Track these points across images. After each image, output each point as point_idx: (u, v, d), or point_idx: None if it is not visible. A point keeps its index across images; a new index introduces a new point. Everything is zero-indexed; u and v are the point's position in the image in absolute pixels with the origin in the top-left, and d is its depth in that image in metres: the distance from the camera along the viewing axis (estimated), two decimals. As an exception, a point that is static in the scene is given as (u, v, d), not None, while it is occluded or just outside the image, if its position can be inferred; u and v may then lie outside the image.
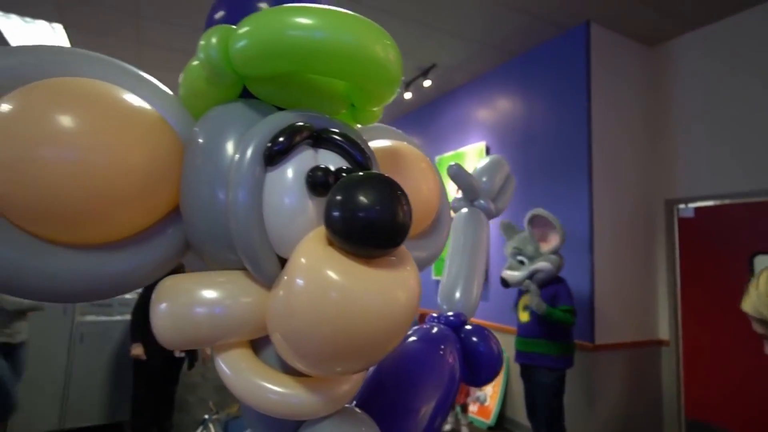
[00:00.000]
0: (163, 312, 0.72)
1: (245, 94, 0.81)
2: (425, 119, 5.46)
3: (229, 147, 0.74)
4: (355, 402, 1.11)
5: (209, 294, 0.73)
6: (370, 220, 0.63)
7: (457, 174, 1.66)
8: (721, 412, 3.27)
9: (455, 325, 1.44)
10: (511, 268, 3.12)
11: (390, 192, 0.66)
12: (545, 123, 3.83)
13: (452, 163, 1.69)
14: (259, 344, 0.81)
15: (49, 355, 3.29)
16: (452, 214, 1.76)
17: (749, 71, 3.20)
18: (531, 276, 2.98)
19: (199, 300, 0.72)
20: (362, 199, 0.64)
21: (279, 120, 0.75)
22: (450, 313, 1.49)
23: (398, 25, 3.70)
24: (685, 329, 3.55)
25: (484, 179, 1.74)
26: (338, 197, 0.65)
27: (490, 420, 3.85)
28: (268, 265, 0.73)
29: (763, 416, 3.04)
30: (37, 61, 0.68)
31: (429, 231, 1.08)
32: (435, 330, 1.35)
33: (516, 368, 3.32)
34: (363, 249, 0.66)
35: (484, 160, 1.84)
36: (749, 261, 3.20)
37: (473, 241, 1.64)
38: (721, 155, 3.34)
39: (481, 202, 1.71)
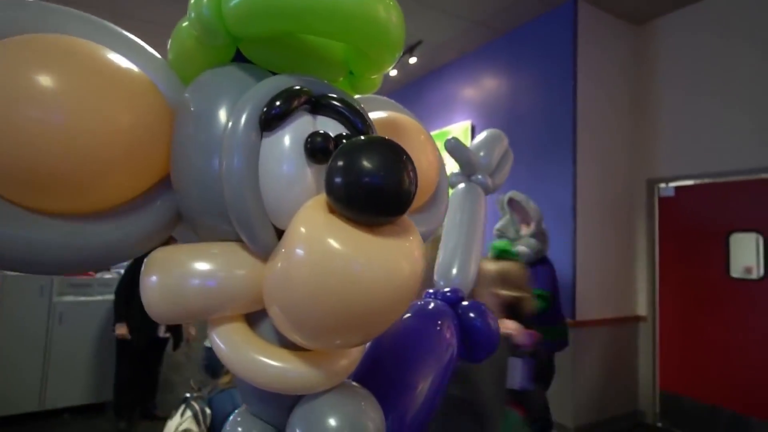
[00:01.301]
0: (153, 284, 0.69)
1: (238, 59, 0.77)
2: (411, 97, 5.40)
3: (222, 113, 0.71)
4: (352, 379, 1.06)
5: (202, 266, 0.70)
6: (375, 185, 0.61)
7: (455, 148, 1.63)
8: (692, 384, 3.41)
9: (452, 301, 1.41)
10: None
11: (396, 156, 0.64)
12: (531, 101, 3.83)
13: (450, 136, 1.66)
14: (255, 318, 0.78)
15: (27, 337, 3.22)
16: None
17: (732, 51, 3.24)
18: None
19: (192, 272, 0.70)
20: (366, 163, 0.61)
21: (276, 84, 0.71)
22: (447, 289, 1.47)
23: None
24: (662, 306, 3.66)
25: (482, 153, 1.72)
26: (341, 162, 0.62)
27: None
28: (264, 235, 0.70)
29: (731, 387, 3.18)
30: (17, 16, 0.64)
31: (427, 205, 1.06)
32: (432, 306, 1.34)
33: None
34: (367, 216, 0.63)
35: (482, 134, 1.81)
36: (725, 239, 3.30)
37: (470, 217, 1.63)
38: (701, 135, 3.39)
39: (479, 177, 1.68)
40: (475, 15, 3.82)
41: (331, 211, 0.65)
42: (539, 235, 3.00)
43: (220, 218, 0.71)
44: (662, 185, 3.71)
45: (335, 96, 0.75)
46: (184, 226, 0.79)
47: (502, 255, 2.69)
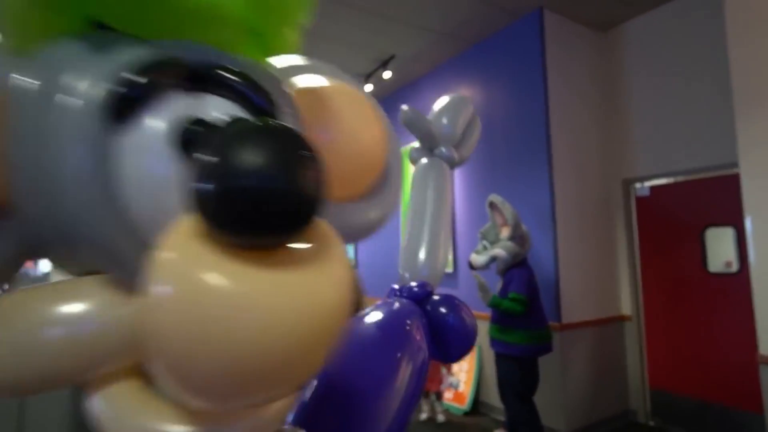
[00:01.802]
0: None
1: (97, 27, 0.58)
2: (388, 111, 5.35)
3: (65, 97, 0.50)
4: (298, 409, 0.90)
5: (63, 311, 0.51)
6: (256, 191, 0.42)
7: (412, 119, 1.39)
8: (681, 380, 3.42)
9: (420, 297, 1.24)
10: (477, 252, 3.19)
11: (287, 147, 0.45)
12: (505, 109, 3.88)
13: (405, 106, 1.38)
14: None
15: None
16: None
17: (695, 51, 3.33)
18: (491, 261, 3.04)
19: (48, 320, 0.50)
20: (243, 160, 0.42)
21: (132, 54, 0.51)
22: (413, 284, 1.28)
23: (355, 17, 3.66)
24: (645, 304, 3.69)
25: (445, 121, 1.47)
26: (208, 160, 0.44)
27: (465, 405, 3.90)
28: (131, 260, 0.51)
29: (718, 381, 3.20)
30: None
31: (378, 186, 0.87)
32: (397, 307, 1.14)
33: (489, 352, 3.37)
34: (250, 237, 0.45)
35: (444, 100, 1.52)
36: (701, 234, 3.35)
37: (435, 197, 1.40)
38: (672, 134, 3.46)
39: (442, 150, 1.45)
40: (444, 27, 3.88)
41: (206, 232, 0.47)
42: (517, 238, 3.01)
43: (73, 237, 0.52)
44: (638, 185, 3.77)
45: (224, 66, 0.55)
46: (48, 253, 0.60)
47: None
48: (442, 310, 1.23)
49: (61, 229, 0.52)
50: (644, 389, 3.64)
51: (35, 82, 0.52)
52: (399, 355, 1.03)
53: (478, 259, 3.11)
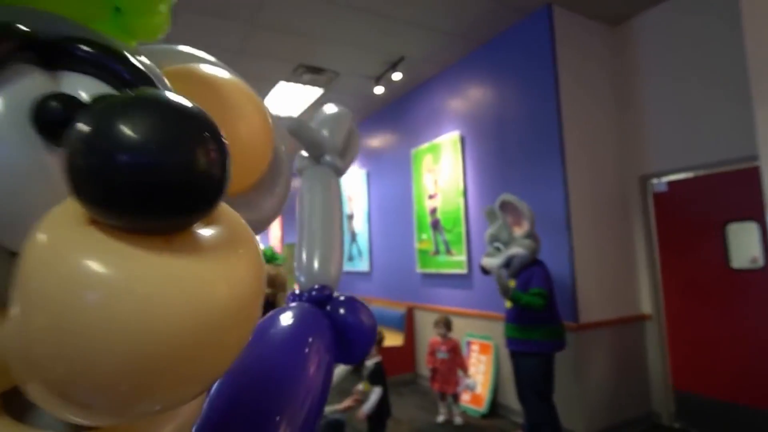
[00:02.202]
0: None
1: None
2: (398, 113, 5.44)
3: None
4: (202, 426, 0.85)
5: None
6: (144, 166, 0.36)
7: (298, 128, 1.42)
8: (707, 381, 3.32)
9: (319, 300, 1.27)
10: (489, 255, 3.16)
11: (182, 118, 0.39)
12: (516, 108, 3.85)
13: (292, 115, 1.49)
14: (14, 396, 0.51)
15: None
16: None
17: (710, 42, 3.25)
18: (508, 262, 3.01)
19: None
20: (128, 131, 0.36)
21: None
22: (313, 287, 1.30)
23: (363, 20, 3.67)
24: (666, 302, 3.60)
25: (327, 132, 1.52)
26: (83, 134, 0.37)
27: (483, 408, 3.85)
28: None
29: (746, 382, 3.10)
30: None
31: (260, 186, 0.82)
32: (297, 313, 1.13)
33: (506, 353, 3.33)
34: (133, 220, 0.39)
35: (322, 112, 1.59)
36: (722, 229, 3.25)
37: (325, 204, 1.44)
38: (689, 128, 3.38)
39: (327, 158, 1.50)
40: (453, 28, 3.87)
41: (89, 220, 0.41)
42: (532, 235, 2.99)
43: None
44: (654, 181, 3.68)
45: (85, 38, 0.48)
46: None
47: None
48: (342, 311, 1.26)
49: None
50: (667, 390, 3.54)
51: None
52: (304, 356, 1.02)
53: (492, 261, 3.08)
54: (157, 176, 0.37)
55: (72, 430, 0.49)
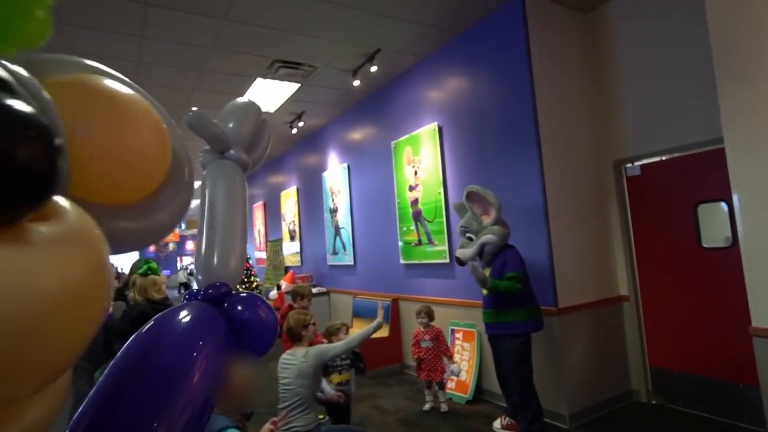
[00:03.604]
0: None
1: None
2: (377, 106, 5.44)
3: None
4: (76, 419, 0.83)
5: None
6: None
7: (196, 122, 1.37)
8: (682, 357, 3.43)
9: (215, 298, 1.25)
10: (462, 246, 3.24)
11: (6, 116, 0.41)
12: (492, 98, 3.88)
13: (191, 110, 1.41)
14: None
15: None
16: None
17: (678, 29, 3.32)
18: (481, 250, 3.08)
19: None
20: None
21: None
22: (210, 285, 1.28)
23: (338, 12, 3.66)
24: (642, 283, 3.70)
25: (231, 125, 1.49)
26: None
27: (467, 394, 3.92)
28: None
29: (717, 356, 3.21)
30: None
31: (156, 196, 0.83)
32: (189, 313, 1.11)
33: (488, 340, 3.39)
34: None
35: (229, 105, 1.58)
36: (694, 210, 3.35)
37: (226, 199, 1.41)
38: (660, 113, 3.46)
39: (232, 152, 1.47)
40: (427, 18, 3.87)
41: None
42: (500, 221, 3.07)
43: None
44: (629, 165, 3.77)
45: None
46: None
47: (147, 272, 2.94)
48: (239, 307, 1.26)
49: None
50: (645, 368, 3.65)
51: None
52: (191, 361, 0.99)
53: (467, 252, 3.16)
54: None
55: None
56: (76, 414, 0.84)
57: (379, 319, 2.74)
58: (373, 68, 4.56)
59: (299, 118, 6.21)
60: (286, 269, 8.26)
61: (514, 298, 2.96)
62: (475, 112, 4.06)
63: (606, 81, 3.81)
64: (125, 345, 0.98)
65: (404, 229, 4.93)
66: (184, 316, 1.09)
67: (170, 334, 1.02)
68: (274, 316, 1.31)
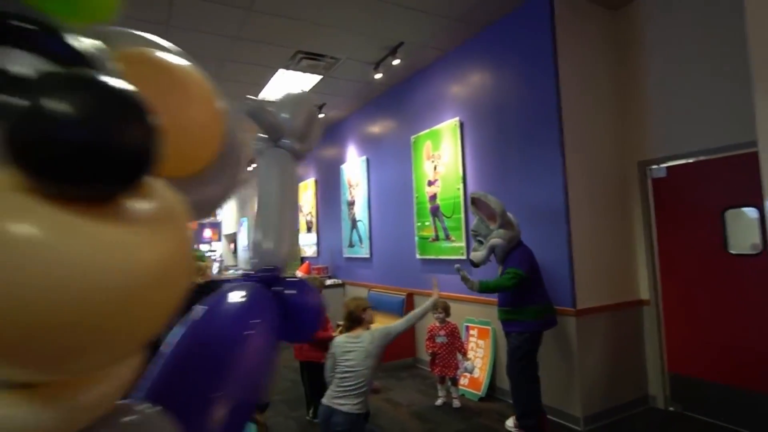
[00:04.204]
0: None
1: None
2: (398, 99, 5.41)
3: None
4: (149, 383, 0.89)
5: None
6: (76, 137, 0.41)
7: (255, 111, 1.43)
8: (703, 364, 3.36)
9: (269, 280, 1.30)
10: (475, 249, 3.29)
11: (112, 97, 0.43)
12: (516, 95, 3.83)
13: (249, 98, 1.45)
14: None
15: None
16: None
17: (712, 27, 3.21)
18: (491, 252, 3.16)
19: None
20: (63, 106, 0.40)
21: None
22: (263, 268, 1.33)
23: (362, 4, 3.64)
24: (664, 287, 3.62)
25: (286, 116, 1.53)
26: (18, 106, 0.42)
27: (480, 391, 3.91)
28: None
29: (741, 365, 3.13)
30: None
31: (213, 168, 0.86)
32: (242, 295, 1.16)
33: (503, 339, 3.37)
34: (68, 187, 0.43)
35: (285, 96, 1.62)
36: (721, 216, 3.26)
37: (279, 187, 1.45)
38: (689, 114, 3.36)
39: (286, 141, 1.51)
40: (452, 12, 3.83)
41: (21, 183, 0.44)
42: (506, 224, 3.12)
43: None
44: (654, 167, 3.68)
45: (21, 14, 0.49)
46: None
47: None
48: (289, 291, 1.31)
49: None
50: (664, 374, 3.59)
51: None
52: (248, 337, 1.06)
53: (478, 254, 3.22)
54: (87, 149, 0.41)
55: (14, 386, 0.52)
56: (144, 381, 0.90)
57: (435, 295, 2.77)
58: (396, 61, 4.53)
59: (320, 110, 6.22)
60: (302, 260, 8.32)
61: (520, 298, 3.02)
62: (498, 108, 4.01)
63: (633, 79, 3.72)
64: (189, 318, 1.05)
65: (421, 224, 4.91)
66: (241, 294, 1.15)
67: (229, 309, 1.09)
68: (320, 302, 1.36)
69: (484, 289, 3.03)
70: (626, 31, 3.76)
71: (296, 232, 1.49)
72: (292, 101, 1.58)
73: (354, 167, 6.34)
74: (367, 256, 6.02)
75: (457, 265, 3.15)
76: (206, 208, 0.91)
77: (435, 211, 4.70)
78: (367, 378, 2.35)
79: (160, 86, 0.53)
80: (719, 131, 3.18)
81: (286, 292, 1.29)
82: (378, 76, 4.86)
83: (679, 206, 3.52)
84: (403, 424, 3.48)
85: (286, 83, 5.19)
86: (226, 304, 1.12)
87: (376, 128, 5.92)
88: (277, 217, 1.43)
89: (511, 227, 3.12)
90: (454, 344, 3.78)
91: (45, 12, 0.52)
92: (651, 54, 3.60)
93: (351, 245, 6.46)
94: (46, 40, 0.49)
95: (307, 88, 5.40)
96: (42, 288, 0.41)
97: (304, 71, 4.91)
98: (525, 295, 3.03)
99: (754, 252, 3.10)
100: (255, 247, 1.42)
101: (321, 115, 6.35)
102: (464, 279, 3.05)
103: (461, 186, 4.34)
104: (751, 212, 3.12)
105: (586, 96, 3.61)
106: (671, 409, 3.53)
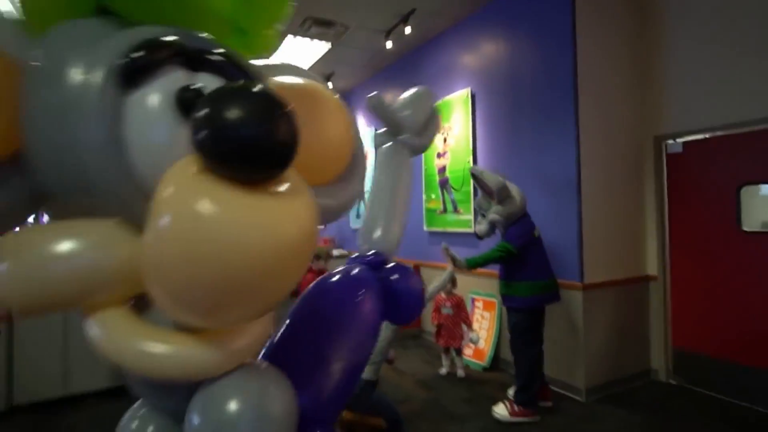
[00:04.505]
0: (3, 273, 0.58)
1: (103, 12, 0.67)
2: (408, 70, 5.31)
3: (76, 70, 0.59)
4: (264, 354, 1.03)
5: (64, 246, 0.60)
6: (243, 134, 0.54)
7: (377, 106, 1.54)
8: (706, 340, 3.38)
9: (375, 264, 1.39)
10: (479, 223, 3.30)
11: (268, 104, 0.57)
12: (531, 64, 3.73)
13: (373, 93, 1.56)
14: (141, 301, 0.69)
15: (44, 325, 3.32)
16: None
17: (734, 2, 3.09)
18: (493, 227, 3.16)
19: (50, 254, 0.59)
20: (233, 112, 0.54)
21: (136, 34, 0.62)
22: (370, 253, 1.43)
23: (373, -32, 3.52)
24: (673, 263, 3.61)
25: (407, 113, 1.61)
26: (204, 112, 0.55)
27: (484, 362, 3.97)
28: (137, 207, 0.61)
29: (744, 342, 3.15)
30: None
31: (341, 178, 1.00)
32: (353, 272, 1.29)
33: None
34: (239, 170, 0.56)
35: (408, 92, 1.71)
36: (736, 193, 3.21)
37: (395, 179, 1.56)
38: (708, 88, 3.27)
39: (405, 136, 1.60)
40: (468, -23, 3.70)
41: (203, 170, 0.57)
42: (505, 200, 3.07)
43: (86, 192, 0.61)
44: (670, 141, 3.61)
45: (214, 50, 0.67)
46: (53, 204, 0.70)
47: None
48: (393, 276, 1.37)
49: (72, 184, 0.61)
50: (667, 348, 3.62)
51: (49, 58, 0.60)
52: (354, 308, 1.18)
53: (481, 228, 3.24)
54: (250, 140, 0.54)
55: (178, 329, 0.67)
56: (268, 344, 1.05)
57: (449, 268, 2.78)
58: (407, 29, 4.42)
59: (328, 79, 6.12)
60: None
61: (519, 272, 3.01)
62: (511, 80, 3.92)
63: (652, 51, 3.61)
64: (306, 290, 1.22)
65: (428, 196, 4.89)
66: (351, 272, 1.28)
67: (340, 281, 1.24)
68: (422, 287, 1.44)
69: (473, 264, 3.03)
70: (648, 3, 3.63)
71: (405, 223, 1.64)
72: (415, 98, 1.65)
73: (362, 137, 6.28)
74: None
75: (444, 244, 3.13)
76: (331, 215, 1.02)
77: (444, 184, 4.67)
78: (382, 347, 2.38)
79: (305, 109, 0.65)
80: (738, 106, 3.10)
81: (392, 277, 1.35)
82: (389, 44, 4.75)
83: (694, 183, 3.47)
84: (408, 391, 3.56)
85: (295, 50, 5.09)
86: (338, 278, 1.25)
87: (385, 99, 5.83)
88: (391, 208, 1.53)
89: (511, 202, 3.06)
90: (460, 316, 3.82)
91: (224, 45, 0.71)
92: (671, 26, 3.48)
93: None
94: (227, 66, 0.67)
95: (316, 57, 5.31)
96: (215, 252, 0.53)
97: (313, 38, 4.81)
98: (519, 270, 3.01)
99: (766, 230, 3.07)
100: (365, 234, 1.51)
101: (330, 84, 6.26)
102: (453, 259, 3.05)
103: (471, 159, 4.30)
104: (766, 189, 3.07)
105: (603, 68, 3.51)
106: (672, 382, 3.58)
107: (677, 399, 3.31)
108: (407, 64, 5.32)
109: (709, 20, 3.24)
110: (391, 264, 1.43)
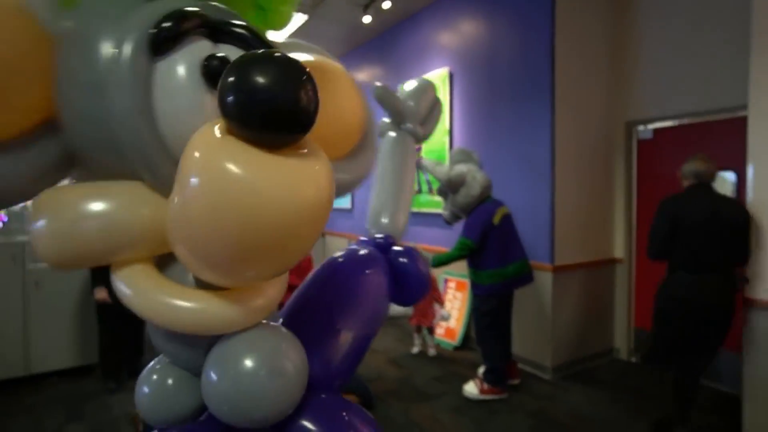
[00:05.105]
0: (42, 228, 0.64)
1: None
2: (386, 46, 5.20)
3: (108, 39, 0.63)
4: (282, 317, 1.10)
5: (97, 206, 0.66)
6: (269, 100, 0.56)
7: (383, 96, 1.60)
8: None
9: (383, 246, 1.44)
10: (445, 209, 3.34)
11: (292, 72, 0.59)
12: (509, 46, 3.71)
13: (378, 83, 1.63)
14: (165, 259, 0.75)
15: (2, 305, 3.17)
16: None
17: (713, -15, 3.13)
18: (456, 216, 3.23)
19: (84, 212, 0.65)
20: (259, 78, 0.56)
21: (164, 5, 0.66)
22: (378, 236, 1.49)
23: (352, -63, 3.39)
24: (639, 247, 3.72)
25: (411, 103, 1.69)
26: (231, 78, 0.58)
27: (456, 341, 4.05)
28: (164, 171, 0.66)
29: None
30: None
31: (354, 153, 1.04)
32: (363, 251, 1.35)
33: (480, 291, 3.44)
34: (263, 134, 0.59)
35: (412, 84, 1.80)
36: (701, 179, 3.30)
37: (399, 165, 1.63)
38: (679, 76, 3.33)
39: (409, 126, 1.67)
40: (450, -48, 3.61)
41: (228, 132, 0.60)
42: (458, 190, 3.06)
43: (116, 157, 0.66)
44: (640, 127, 3.68)
45: (237, 22, 0.71)
46: (82, 167, 0.74)
47: None
48: (401, 258, 1.42)
49: (104, 148, 0.65)
50: (629, 328, 3.76)
51: (81, 29, 0.63)
52: (365, 282, 1.24)
53: (446, 214, 3.31)
54: (276, 106, 0.56)
55: (199, 287, 0.71)
56: (281, 313, 1.09)
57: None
58: (386, 4, 4.31)
59: (304, 53, 5.94)
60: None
61: (480, 261, 3.02)
62: (489, 60, 3.90)
63: (627, 37, 3.64)
64: (318, 267, 1.27)
65: (405, 176, 4.86)
66: (360, 250, 1.34)
67: (352, 257, 1.30)
68: (429, 270, 1.48)
69: (438, 264, 3.06)
70: (626, -15, 3.64)
71: (409, 206, 1.72)
72: (418, 89, 1.74)
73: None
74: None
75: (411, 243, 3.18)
76: (345, 188, 1.04)
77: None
78: None
79: (320, 85, 0.64)
80: (707, 94, 3.18)
81: (400, 258, 1.40)
82: (367, 19, 4.63)
83: (662, 169, 3.56)
84: (380, 370, 3.59)
85: (269, 21, 4.91)
86: (349, 254, 1.30)
87: (362, 75, 5.72)
88: (398, 194, 1.58)
89: (466, 192, 3.03)
90: (432, 295, 3.86)
91: (245, 19, 0.74)
92: (646, 14, 3.50)
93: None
94: (248, 38, 0.70)
95: (292, 29, 5.13)
96: (239, 211, 0.55)
97: (289, 9, 4.63)
98: (480, 259, 3.01)
99: (727, 215, 3.18)
100: (373, 219, 1.57)
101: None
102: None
103: (447, 139, 4.28)
104: (729, 176, 3.18)
105: (581, 51, 3.52)
106: (633, 360, 3.74)
107: (635, 375, 3.46)
108: (384, 42, 5.21)
109: (682, 9, 3.28)
110: (399, 247, 1.48)
